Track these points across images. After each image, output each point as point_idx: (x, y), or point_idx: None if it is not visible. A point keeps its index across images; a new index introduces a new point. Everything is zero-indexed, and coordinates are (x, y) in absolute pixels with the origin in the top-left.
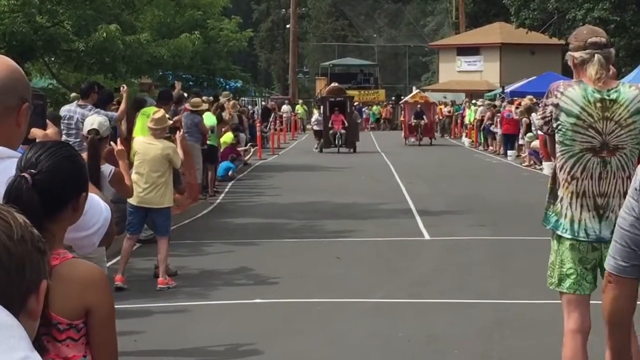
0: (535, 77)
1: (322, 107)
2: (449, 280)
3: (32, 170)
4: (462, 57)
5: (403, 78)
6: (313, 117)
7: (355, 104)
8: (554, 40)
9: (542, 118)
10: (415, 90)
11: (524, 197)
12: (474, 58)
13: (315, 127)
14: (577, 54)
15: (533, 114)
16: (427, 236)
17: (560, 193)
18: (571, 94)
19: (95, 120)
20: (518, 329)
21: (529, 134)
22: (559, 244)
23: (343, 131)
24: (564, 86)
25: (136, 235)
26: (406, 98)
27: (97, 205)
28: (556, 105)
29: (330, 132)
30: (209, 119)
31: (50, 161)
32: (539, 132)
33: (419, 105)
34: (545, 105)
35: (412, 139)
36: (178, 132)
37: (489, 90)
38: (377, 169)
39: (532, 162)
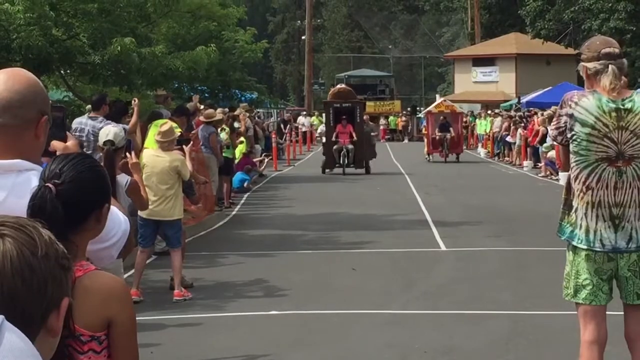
0: (551, 87)
1: (325, 114)
2: (465, 291)
3: (56, 181)
4: (477, 68)
5: (419, 89)
6: (319, 128)
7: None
8: (570, 51)
9: (557, 128)
10: (439, 99)
11: (541, 208)
12: (489, 69)
13: (325, 140)
14: (590, 65)
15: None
16: (443, 247)
17: (575, 203)
18: (586, 104)
19: (110, 131)
20: (534, 341)
21: (545, 144)
22: (575, 255)
23: (351, 146)
24: (578, 96)
25: (149, 248)
26: (430, 107)
27: (115, 217)
28: (570, 116)
29: (335, 147)
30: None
31: (73, 172)
32: (555, 142)
33: (442, 116)
34: (560, 115)
35: (436, 155)
36: (186, 144)
37: (505, 101)
38: (392, 180)
39: (548, 172)
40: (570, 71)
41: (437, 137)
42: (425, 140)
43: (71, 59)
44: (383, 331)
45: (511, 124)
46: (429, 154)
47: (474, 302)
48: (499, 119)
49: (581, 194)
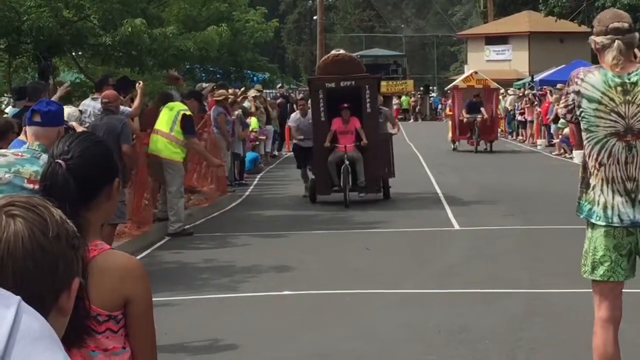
0: (564, 65)
1: (312, 101)
2: (479, 270)
3: (65, 157)
4: (490, 47)
5: (431, 68)
6: (291, 118)
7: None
8: (583, 28)
9: (565, 106)
10: (468, 71)
11: (554, 186)
12: (502, 47)
13: (300, 143)
14: (598, 39)
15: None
16: (456, 226)
17: (591, 181)
18: (591, 80)
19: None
20: (549, 319)
21: (562, 121)
22: (593, 232)
23: (357, 155)
24: (583, 73)
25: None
26: (456, 81)
27: None
28: (577, 92)
29: (331, 157)
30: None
31: (81, 147)
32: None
33: (475, 94)
34: (567, 93)
35: (463, 143)
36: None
37: (518, 79)
38: (404, 159)
39: (562, 150)
40: (584, 49)
41: (465, 120)
42: (450, 123)
43: (82, 41)
44: (397, 311)
45: (524, 102)
46: (454, 141)
47: (488, 281)
48: (510, 97)
49: (595, 171)
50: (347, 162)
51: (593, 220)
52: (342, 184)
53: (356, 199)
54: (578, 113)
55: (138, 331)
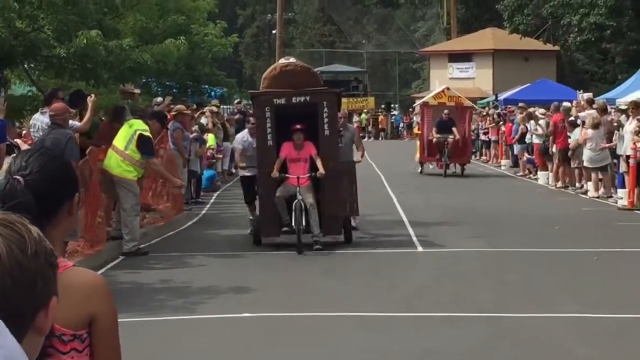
0: (529, 84)
1: (257, 121)
2: (443, 293)
3: (24, 172)
4: (453, 64)
5: (393, 85)
6: (237, 139)
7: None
8: (549, 46)
9: None
10: (439, 87)
11: (519, 208)
12: (466, 65)
13: (245, 172)
14: None
15: (531, 122)
16: (420, 248)
17: None
18: None
19: None
20: (514, 343)
21: (531, 139)
22: None
23: (311, 199)
24: None
25: None
26: (426, 98)
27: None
28: None
29: (279, 192)
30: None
31: (39, 162)
32: (535, 141)
33: (446, 111)
34: None
35: (432, 165)
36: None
37: (482, 98)
38: (366, 179)
39: (527, 171)
40: (549, 67)
41: (435, 140)
42: (418, 143)
43: (36, 52)
44: (359, 334)
45: (488, 122)
46: (421, 163)
47: (453, 304)
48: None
49: None
50: (300, 197)
51: None
52: (293, 224)
53: (310, 241)
54: None
55: (103, 350)
